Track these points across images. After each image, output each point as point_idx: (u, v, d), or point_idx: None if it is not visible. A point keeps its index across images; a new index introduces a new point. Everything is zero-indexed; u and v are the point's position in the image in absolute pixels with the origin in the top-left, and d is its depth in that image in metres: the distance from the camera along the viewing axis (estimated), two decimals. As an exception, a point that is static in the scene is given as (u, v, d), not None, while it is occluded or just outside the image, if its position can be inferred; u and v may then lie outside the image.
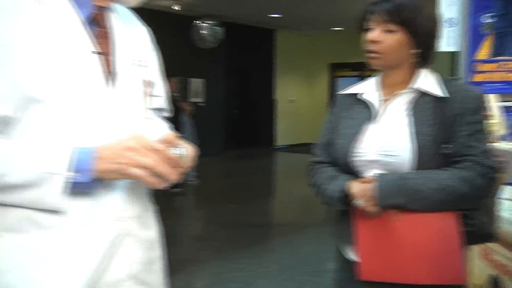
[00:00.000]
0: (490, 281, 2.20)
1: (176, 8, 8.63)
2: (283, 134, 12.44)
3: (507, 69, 2.97)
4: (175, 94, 7.08)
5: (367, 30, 1.59)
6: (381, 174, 1.49)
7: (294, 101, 12.73)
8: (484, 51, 2.94)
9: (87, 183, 1.10)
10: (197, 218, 6.39)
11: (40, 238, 1.14)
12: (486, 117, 1.61)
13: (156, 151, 1.07)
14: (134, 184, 1.21)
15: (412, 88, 1.57)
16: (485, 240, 1.62)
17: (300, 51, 12.77)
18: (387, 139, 1.55)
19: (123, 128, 1.19)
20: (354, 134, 1.60)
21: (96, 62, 1.15)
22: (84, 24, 1.16)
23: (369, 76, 1.86)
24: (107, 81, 1.17)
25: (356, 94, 1.69)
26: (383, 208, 1.46)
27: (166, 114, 1.50)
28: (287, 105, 12.55)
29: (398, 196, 1.44)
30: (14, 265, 1.15)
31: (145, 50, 1.38)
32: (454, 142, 1.50)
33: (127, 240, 1.22)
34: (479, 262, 2.32)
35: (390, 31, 1.55)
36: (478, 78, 2.95)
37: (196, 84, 10.55)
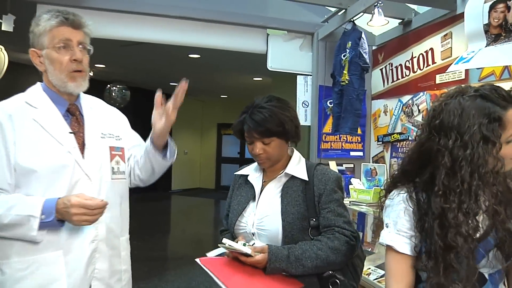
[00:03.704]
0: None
1: (91, 74, 8.43)
2: (178, 180, 12.26)
3: (343, 141, 3.38)
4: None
5: (248, 141, 1.57)
6: (270, 245, 1.45)
7: (187, 153, 12.75)
8: (328, 127, 3.33)
9: (53, 222, 1.35)
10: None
11: (39, 258, 1.38)
12: (343, 193, 1.58)
13: (86, 205, 1.33)
14: (104, 220, 1.44)
15: (285, 173, 1.57)
16: None
17: (194, 112, 12.87)
18: (261, 216, 1.53)
19: (89, 180, 1.46)
20: (240, 210, 1.59)
21: (72, 138, 1.47)
22: (63, 116, 1.48)
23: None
24: (80, 149, 1.47)
25: (247, 175, 1.66)
26: (270, 270, 1.42)
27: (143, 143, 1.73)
28: (182, 156, 12.50)
29: (282, 262, 1.42)
30: (21, 276, 1.37)
31: (115, 125, 1.64)
32: (320, 217, 1.50)
33: (97, 255, 1.46)
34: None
35: (266, 144, 1.53)
36: (324, 146, 3.32)
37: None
